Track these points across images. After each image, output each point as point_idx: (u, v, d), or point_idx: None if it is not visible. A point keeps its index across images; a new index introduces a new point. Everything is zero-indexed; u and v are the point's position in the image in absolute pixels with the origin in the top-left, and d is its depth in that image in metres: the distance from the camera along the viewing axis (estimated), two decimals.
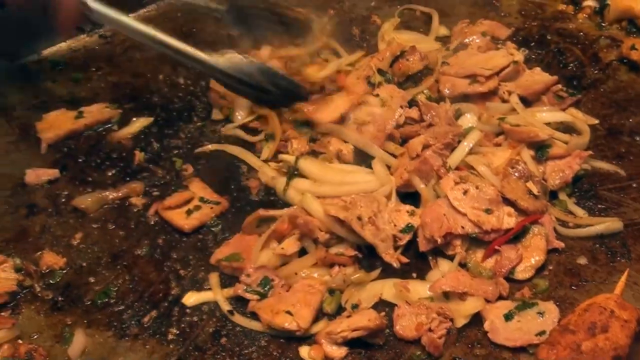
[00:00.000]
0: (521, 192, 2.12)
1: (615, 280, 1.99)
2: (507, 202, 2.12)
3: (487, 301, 1.97)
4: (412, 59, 2.55)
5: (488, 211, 2.08)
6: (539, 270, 2.06)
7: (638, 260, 2.07)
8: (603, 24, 2.77)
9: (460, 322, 1.95)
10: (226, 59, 2.30)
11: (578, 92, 2.51)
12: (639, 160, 2.33)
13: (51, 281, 2.09)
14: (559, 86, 2.48)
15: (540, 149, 2.25)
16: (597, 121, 2.44)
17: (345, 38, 2.77)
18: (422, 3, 2.92)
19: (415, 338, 1.92)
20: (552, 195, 2.22)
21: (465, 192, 2.10)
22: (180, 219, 2.20)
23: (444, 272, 2.05)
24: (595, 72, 2.61)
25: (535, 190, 2.13)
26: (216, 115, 2.53)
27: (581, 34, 2.75)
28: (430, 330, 1.90)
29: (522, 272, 2.05)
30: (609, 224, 2.13)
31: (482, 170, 2.17)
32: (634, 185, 2.26)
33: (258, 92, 2.35)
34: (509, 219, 2.09)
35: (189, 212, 2.22)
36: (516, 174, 2.15)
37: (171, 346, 1.94)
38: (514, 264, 2.04)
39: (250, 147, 2.42)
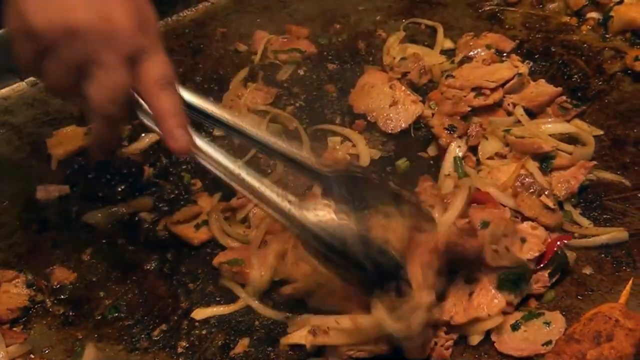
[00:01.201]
0: (539, 208, 2.12)
1: (621, 290, 1.99)
2: (525, 218, 2.10)
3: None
4: (412, 66, 2.60)
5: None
6: None
7: None
8: (607, 36, 2.78)
9: (476, 340, 1.94)
10: (315, 217, 1.74)
11: (582, 103, 2.51)
12: None
13: (62, 296, 2.11)
14: (564, 98, 2.48)
15: (545, 160, 2.26)
16: (601, 132, 2.43)
17: (351, 52, 2.80)
18: (427, 17, 2.93)
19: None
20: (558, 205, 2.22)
21: None
22: (189, 233, 2.22)
23: None
24: (600, 83, 2.61)
25: (550, 204, 2.12)
26: (217, 131, 2.48)
27: (585, 45, 2.75)
28: (435, 343, 1.91)
29: None
30: (615, 234, 2.12)
31: (492, 191, 2.16)
32: (639, 195, 2.26)
33: (349, 265, 1.78)
34: (535, 240, 2.03)
35: (197, 227, 2.23)
36: (527, 190, 2.15)
37: (181, 359, 1.96)
38: None
39: None
